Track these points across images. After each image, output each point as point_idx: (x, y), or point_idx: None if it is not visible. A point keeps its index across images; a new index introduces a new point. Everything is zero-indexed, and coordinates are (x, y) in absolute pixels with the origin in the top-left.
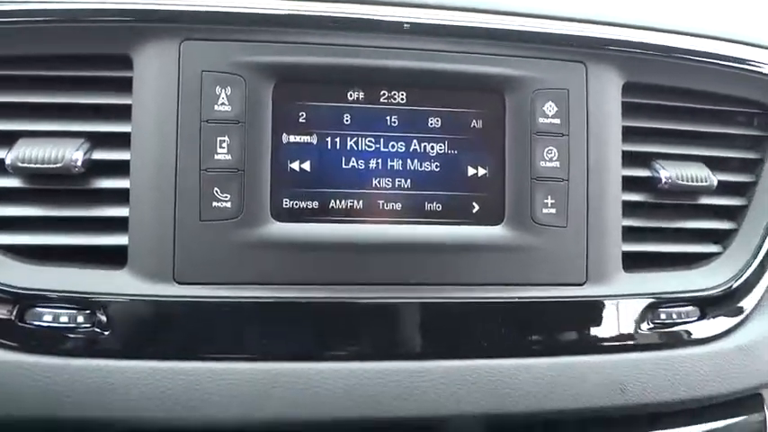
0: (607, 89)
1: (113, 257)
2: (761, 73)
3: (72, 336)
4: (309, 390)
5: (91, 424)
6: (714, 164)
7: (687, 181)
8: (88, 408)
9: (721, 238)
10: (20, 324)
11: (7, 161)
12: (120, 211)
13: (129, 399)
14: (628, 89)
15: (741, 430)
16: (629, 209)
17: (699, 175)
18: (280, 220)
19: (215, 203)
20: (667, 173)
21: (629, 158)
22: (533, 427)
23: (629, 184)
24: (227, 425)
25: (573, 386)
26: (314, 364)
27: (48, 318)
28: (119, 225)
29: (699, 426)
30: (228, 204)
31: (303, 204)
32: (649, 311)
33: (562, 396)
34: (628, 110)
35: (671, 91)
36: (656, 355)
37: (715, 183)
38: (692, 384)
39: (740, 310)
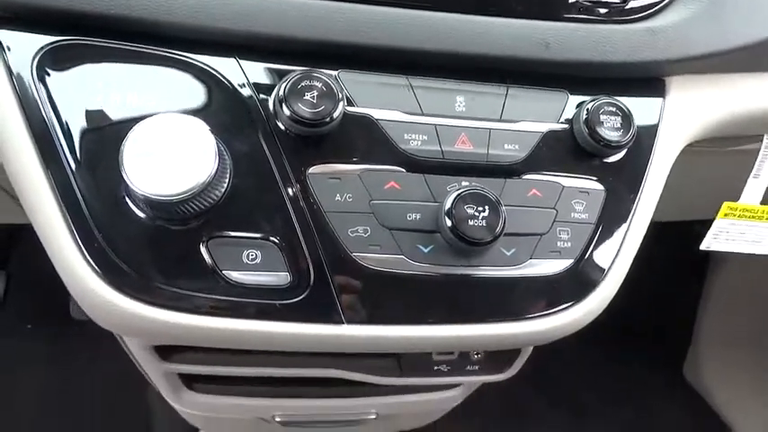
0: None
1: None
2: None
3: None
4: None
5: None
6: None
7: None
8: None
9: None
10: None
11: None
12: None
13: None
14: None
15: (642, 105)
16: None
17: None
18: None
19: None
20: None
21: None
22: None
23: None
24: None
25: (510, 41)
26: None
27: None
28: None
29: (606, 95)
30: None
31: None
32: None
33: (504, 45)
34: None
35: None
36: (577, 26)
37: None
38: (604, 50)
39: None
